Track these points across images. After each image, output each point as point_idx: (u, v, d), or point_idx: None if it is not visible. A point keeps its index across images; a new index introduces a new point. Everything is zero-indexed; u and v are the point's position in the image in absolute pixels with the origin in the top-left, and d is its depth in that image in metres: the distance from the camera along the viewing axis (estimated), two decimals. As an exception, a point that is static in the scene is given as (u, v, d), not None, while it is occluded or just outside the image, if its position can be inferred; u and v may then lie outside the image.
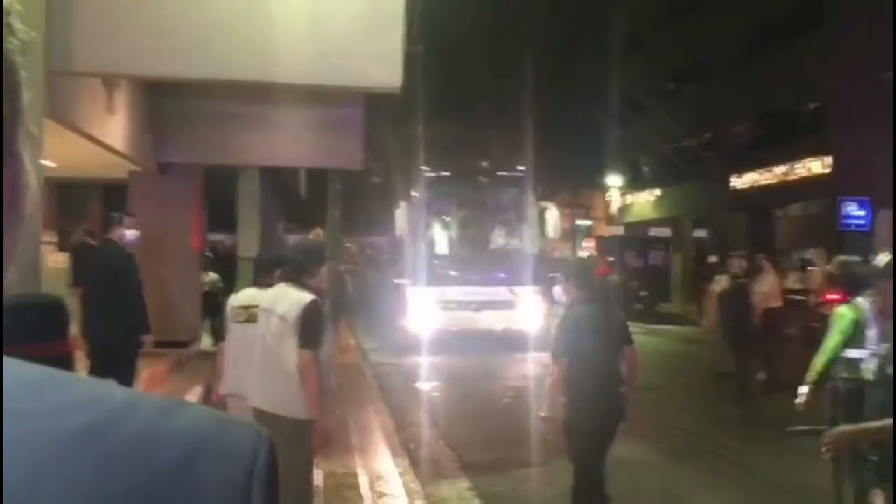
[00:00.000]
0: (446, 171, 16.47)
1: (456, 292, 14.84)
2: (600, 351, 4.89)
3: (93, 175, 12.44)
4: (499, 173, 16.72)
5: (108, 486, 0.49)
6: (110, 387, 0.55)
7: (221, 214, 19.36)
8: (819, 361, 5.18)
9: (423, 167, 16.27)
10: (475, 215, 16.61)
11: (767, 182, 22.24)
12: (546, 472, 6.10)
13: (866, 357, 4.85)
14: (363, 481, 6.00)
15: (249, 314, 4.80)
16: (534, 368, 11.00)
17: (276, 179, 20.08)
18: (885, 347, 4.50)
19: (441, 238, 16.55)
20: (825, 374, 5.16)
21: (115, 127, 8.97)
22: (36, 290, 5.44)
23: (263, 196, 17.87)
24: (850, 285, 5.39)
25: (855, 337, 4.99)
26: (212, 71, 6.48)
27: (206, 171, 13.79)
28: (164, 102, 10.68)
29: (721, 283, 10.74)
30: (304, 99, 10.77)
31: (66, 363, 1.21)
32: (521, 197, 16.33)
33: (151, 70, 6.65)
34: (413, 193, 16.19)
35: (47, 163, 9.24)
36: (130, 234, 7.00)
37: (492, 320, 14.81)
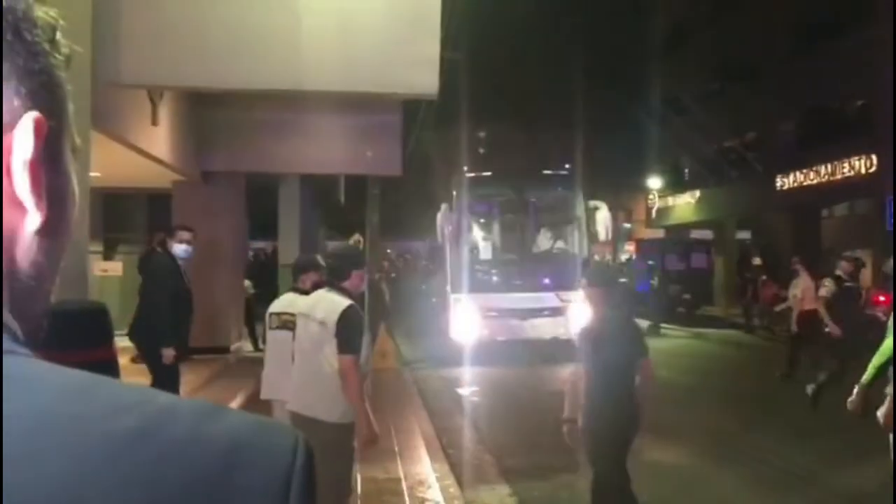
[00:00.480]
0: (489, 171, 15.54)
1: (501, 299, 14.07)
2: (616, 361, 4.83)
3: (137, 185, 12.71)
4: (544, 172, 15.67)
5: (154, 488, 0.51)
6: (152, 392, 0.57)
7: (263, 222, 19.54)
8: (874, 363, 5.05)
9: (465, 167, 15.38)
10: (520, 217, 15.52)
11: (812, 182, 21.83)
12: (587, 478, 6.04)
13: None
14: (404, 486, 6.03)
15: (282, 321, 4.87)
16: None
17: (317, 187, 20.30)
18: None
19: (484, 242, 15.54)
20: (879, 375, 5.03)
21: (159, 137, 9.15)
22: (83, 297, 5.58)
23: (304, 203, 18.10)
24: None
25: None
26: (252, 81, 6.60)
27: (248, 179, 14.00)
28: (206, 112, 10.87)
29: (828, 287, 10.07)
30: (342, 106, 10.88)
31: (110, 368, 1.24)
32: (569, 197, 15.34)
33: (195, 81, 6.79)
34: (454, 195, 15.15)
35: (93, 173, 9.47)
36: (179, 247, 6.92)
37: (540, 328, 13.90)
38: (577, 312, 12.97)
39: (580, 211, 15.10)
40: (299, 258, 5.96)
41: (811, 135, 22.43)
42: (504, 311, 14.03)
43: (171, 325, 6.48)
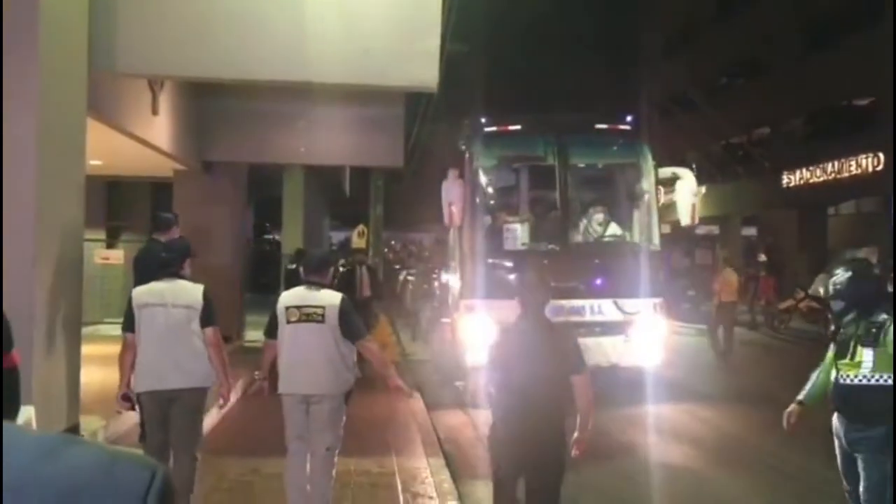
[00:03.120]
0: (516, 123, 10.70)
1: None
2: (531, 377, 4.14)
3: (140, 173, 12.71)
4: (598, 126, 10.85)
5: None
6: None
7: (268, 212, 19.45)
8: None
9: (483, 119, 10.46)
10: (562, 191, 10.25)
11: (819, 179, 21.74)
12: (579, 475, 6.03)
13: None
14: (397, 480, 6.02)
15: (304, 314, 4.89)
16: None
17: (322, 178, 20.27)
18: None
19: (509, 225, 10.54)
20: None
21: (160, 126, 9.13)
22: (79, 287, 5.56)
23: (308, 194, 18.07)
24: None
25: None
26: (253, 71, 6.58)
27: (253, 170, 13.97)
28: (208, 102, 10.85)
29: None
30: (344, 98, 10.84)
31: (14, 376, 1.21)
32: (634, 162, 10.76)
33: (195, 71, 6.76)
34: (466, 156, 10.17)
35: (95, 161, 9.47)
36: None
37: (592, 353, 8.33)
38: (647, 328, 9.87)
39: (649, 182, 10.58)
40: (314, 255, 5.73)
41: (818, 132, 22.33)
42: None
43: None
